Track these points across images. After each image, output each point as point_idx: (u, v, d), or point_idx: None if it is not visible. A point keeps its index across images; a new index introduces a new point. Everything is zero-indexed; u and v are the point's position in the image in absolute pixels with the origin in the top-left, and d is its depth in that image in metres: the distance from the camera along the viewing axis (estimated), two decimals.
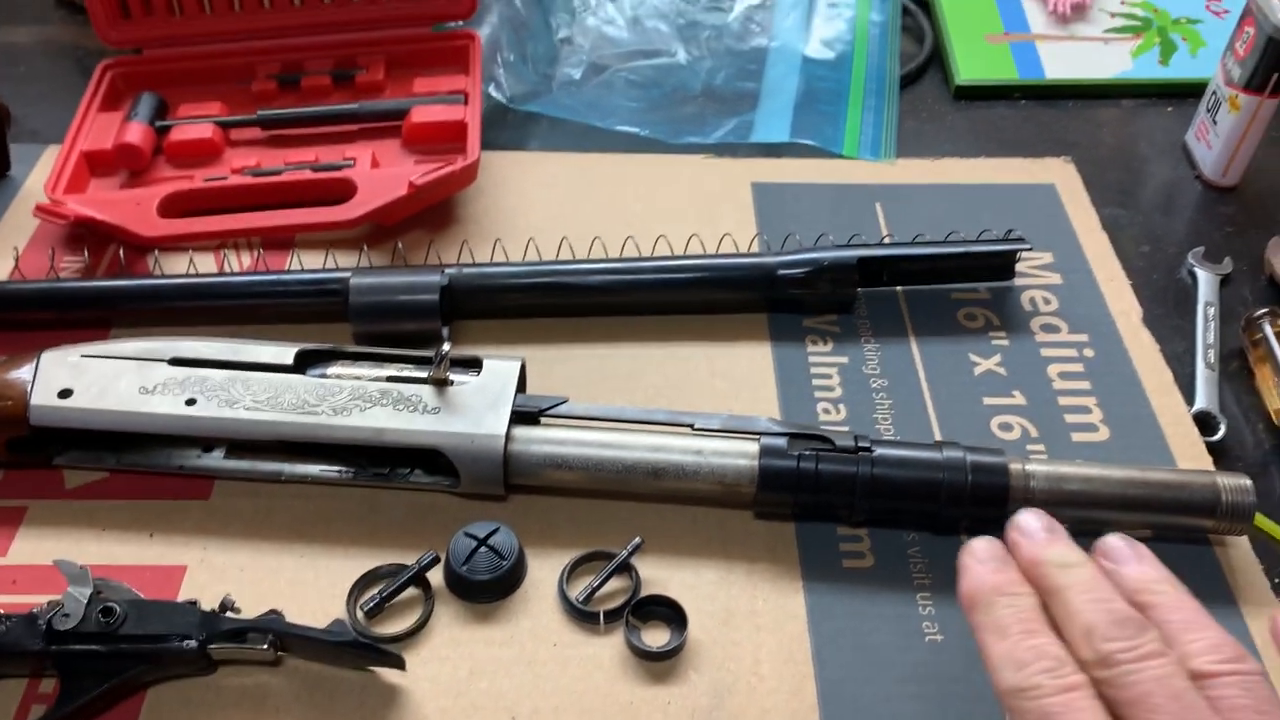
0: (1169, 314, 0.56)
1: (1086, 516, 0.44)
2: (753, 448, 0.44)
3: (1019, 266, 0.55)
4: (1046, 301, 0.55)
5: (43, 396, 0.45)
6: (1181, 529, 0.44)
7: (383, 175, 0.57)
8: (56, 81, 0.71)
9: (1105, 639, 0.31)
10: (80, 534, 0.44)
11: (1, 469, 0.46)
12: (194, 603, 0.40)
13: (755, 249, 0.56)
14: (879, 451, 0.44)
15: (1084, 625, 0.32)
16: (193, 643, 0.38)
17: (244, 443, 0.45)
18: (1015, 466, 0.43)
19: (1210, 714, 0.30)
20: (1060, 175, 0.62)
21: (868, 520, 0.45)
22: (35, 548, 0.44)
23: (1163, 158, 0.66)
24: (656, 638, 0.41)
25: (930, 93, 0.71)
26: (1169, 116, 0.69)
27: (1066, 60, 0.71)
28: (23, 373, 0.45)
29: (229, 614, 0.40)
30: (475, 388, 0.45)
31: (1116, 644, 0.31)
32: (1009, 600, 0.34)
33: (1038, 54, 0.71)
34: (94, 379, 0.45)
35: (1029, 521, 0.36)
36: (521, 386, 0.46)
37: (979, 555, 0.36)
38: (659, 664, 0.41)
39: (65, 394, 0.45)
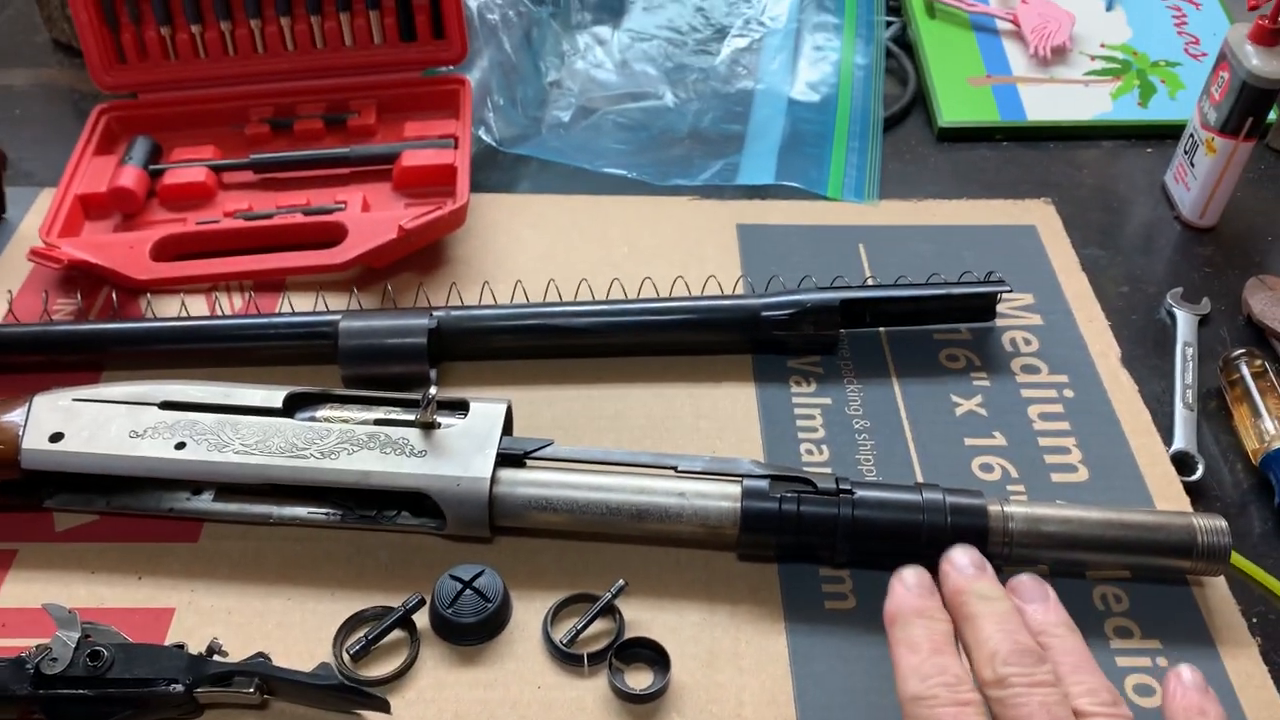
0: (1148, 354, 0.56)
1: (1064, 557, 0.44)
2: (735, 490, 0.44)
3: (1000, 307, 0.56)
4: (1027, 342, 0.56)
5: (34, 440, 0.45)
6: (1159, 569, 0.45)
7: (373, 219, 0.58)
8: (52, 124, 0.72)
9: (1005, 663, 0.35)
10: (69, 577, 0.45)
11: None
12: (181, 646, 0.40)
13: (740, 290, 0.57)
14: (860, 494, 0.44)
15: (990, 650, 0.36)
16: (179, 686, 0.39)
17: (233, 485, 0.46)
18: (994, 508, 0.44)
19: None
20: (1041, 216, 0.64)
21: (849, 561, 0.46)
22: (24, 590, 0.44)
23: (1142, 198, 0.67)
24: (640, 680, 0.42)
25: (914, 134, 0.72)
26: (1148, 158, 0.70)
27: (1047, 102, 0.72)
28: (14, 416, 0.46)
29: (216, 657, 0.40)
30: (461, 430, 0.46)
31: (1014, 669, 0.35)
32: (926, 622, 0.38)
33: (1019, 96, 0.73)
34: (85, 423, 0.46)
35: (961, 557, 0.41)
36: (508, 428, 0.47)
37: (907, 582, 0.40)
38: (642, 706, 0.41)
39: (56, 438, 0.45)
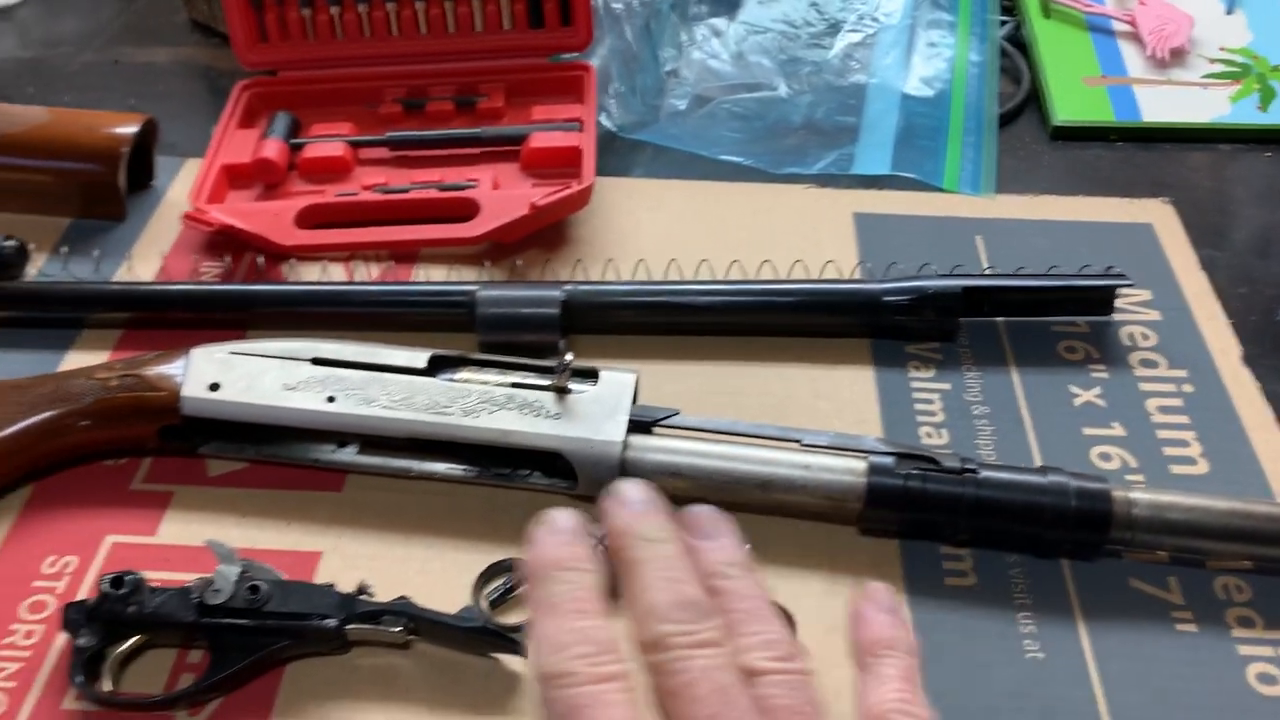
0: (1266, 354, 0.56)
1: (1187, 545, 0.45)
2: (860, 465, 0.46)
3: (1118, 303, 0.56)
4: (1145, 337, 0.56)
5: (193, 389, 0.48)
6: None
7: (504, 196, 0.60)
8: (191, 99, 0.76)
9: (663, 620, 0.30)
10: (222, 519, 0.47)
11: (150, 456, 0.50)
12: (332, 586, 0.42)
13: (858, 276, 0.58)
14: (984, 474, 0.45)
15: (648, 604, 0.31)
16: (332, 622, 0.41)
17: (377, 439, 0.48)
18: (1118, 493, 0.44)
19: (752, 713, 0.29)
20: (1158, 215, 0.64)
21: (970, 540, 0.46)
22: (181, 529, 0.47)
23: (1259, 202, 0.67)
24: None
25: (1027, 132, 0.72)
26: (1267, 162, 0.70)
27: (1163, 104, 0.72)
28: (175, 367, 0.49)
29: (364, 597, 0.42)
30: (593, 397, 0.48)
31: (673, 626, 0.30)
32: (568, 576, 0.32)
33: (1134, 97, 0.73)
34: (241, 374, 0.48)
35: (630, 491, 0.35)
36: (634, 398, 0.49)
37: (553, 527, 0.34)
38: None
39: (214, 387, 0.48)
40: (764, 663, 0.31)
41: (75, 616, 0.42)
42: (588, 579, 0.32)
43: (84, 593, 0.45)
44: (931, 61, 0.76)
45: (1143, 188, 0.67)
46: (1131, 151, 0.71)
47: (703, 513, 0.35)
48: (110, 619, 0.41)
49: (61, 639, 0.43)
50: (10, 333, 0.56)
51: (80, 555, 0.46)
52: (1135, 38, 0.76)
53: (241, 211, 0.59)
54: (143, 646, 0.42)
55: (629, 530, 0.34)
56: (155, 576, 0.43)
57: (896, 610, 0.36)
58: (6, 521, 0.47)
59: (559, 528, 0.34)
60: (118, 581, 0.42)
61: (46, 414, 0.47)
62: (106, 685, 0.41)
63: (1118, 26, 0.77)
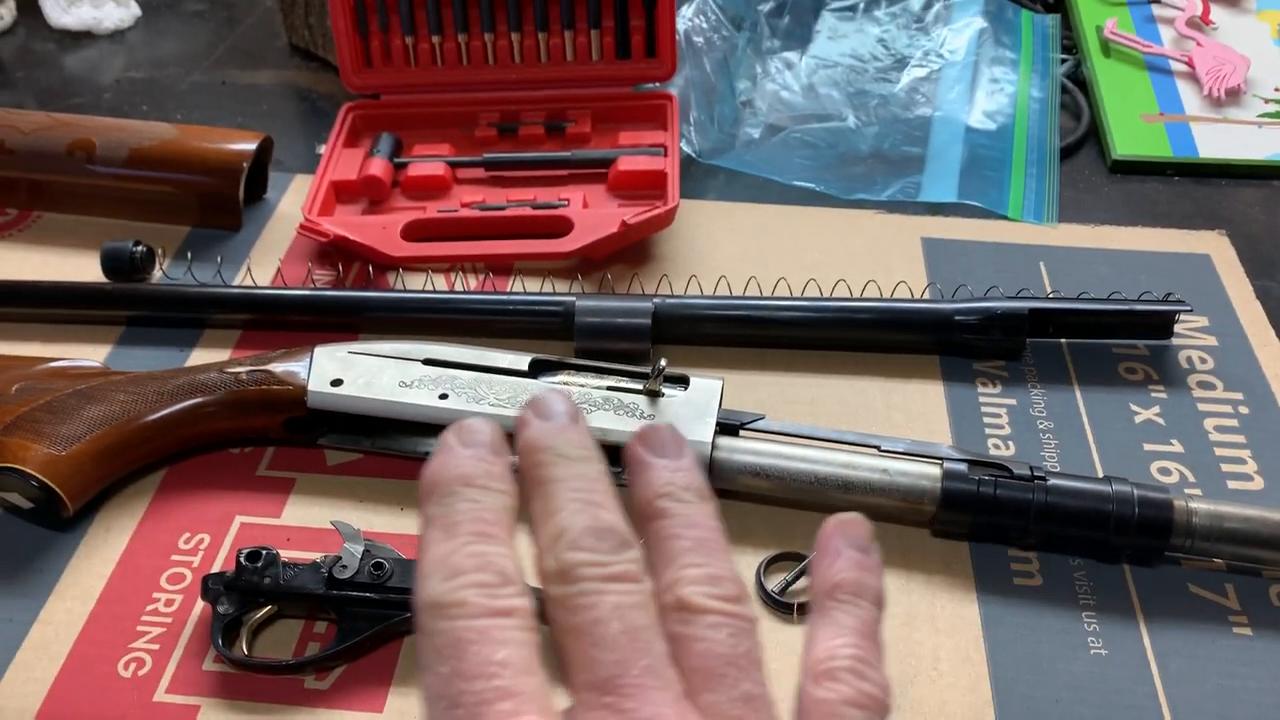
0: None
1: (1244, 554, 0.47)
2: (935, 470, 0.49)
3: (1177, 328, 0.59)
4: (1203, 360, 0.59)
5: (318, 384, 0.52)
6: None
7: (595, 214, 0.64)
8: (293, 118, 0.81)
9: (573, 546, 0.26)
10: (340, 504, 0.51)
11: (273, 445, 0.54)
12: None
13: (928, 296, 0.61)
14: (1053, 481, 0.48)
15: (558, 527, 0.27)
16: None
17: None
18: (1179, 503, 0.47)
19: (665, 663, 0.25)
20: (1215, 246, 0.66)
21: (1037, 544, 0.49)
22: (304, 512, 0.51)
23: None
24: None
25: (1087, 165, 0.76)
26: None
27: (1220, 141, 0.75)
28: (300, 364, 0.53)
29: None
30: (683, 400, 0.51)
31: (584, 555, 0.26)
32: (475, 494, 0.27)
33: (1191, 134, 0.76)
34: (360, 372, 0.52)
35: (552, 401, 0.30)
36: (719, 404, 0.52)
37: (467, 437, 0.29)
38: None
39: (337, 383, 0.52)
40: (704, 599, 0.26)
41: (214, 586, 0.46)
42: (497, 500, 0.28)
43: (216, 567, 0.49)
44: (994, 96, 0.80)
45: (1199, 221, 0.70)
46: (1188, 186, 0.74)
47: (661, 428, 0.31)
48: (246, 589, 0.45)
49: (199, 608, 0.47)
50: (140, 330, 0.60)
51: (212, 533, 0.50)
52: (1192, 77, 0.79)
53: (352, 224, 0.64)
54: (274, 616, 0.46)
55: (545, 444, 0.29)
56: (282, 554, 0.47)
57: (870, 550, 0.30)
58: (144, 501, 0.52)
59: (474, 439, 0.29)
60: (254, 555, 0.46)
61: (185, 403, 0.52)
62: (242, 649, 0.45)
63: (1175, 66, 0.80)
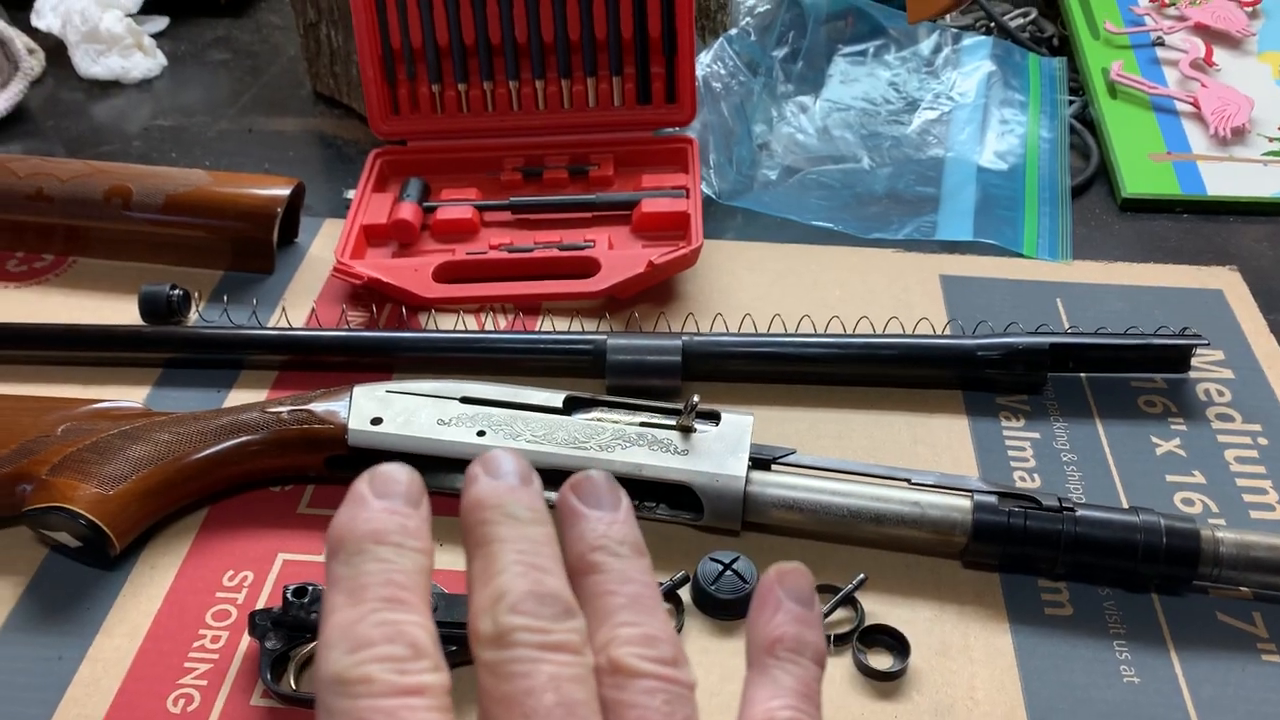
0: None
1: (1270, 581, 0.48)
2: (965, 503, 0.50)
3: (1193, 361, 0.61)
4: (1220, 393, 0.60)
5: (358, 423, 0.53)
6: None
7: (621, 255, 0.66)
8: (319, 164, 0.83)
9: (513, 610, 0.24)
10: None
11: (313, 483, 0.55)
12: None
13: (950, 332, 0.62)
14: (1081, 512, 0.49)
15: (498, 589, 0.25)
16: None
17: None
18: (1206, 532, 0.48)
19: None
20: (1227, 282, 0.68)
21: (1066, 574, 0.50)
22: None
23: None
24: (881, 661, 0.47)
25: (1097, 204, 0.77)
26: None
27: (1226, 179, 0.77)
28: (340, 403, 0.54)
29: None
30: (716, 435, 0.52)
31: (522, 619, 0.24)
32: (387, 552, 0.25)
33: (1199, 172, 0.78)
34: (399, 410, 0.54)
35: (502, 460, 0.28)
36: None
37: (378, 486, 0.27)
38: (885, 684, 0.46)
39: (376, 421, 0.53)
40: (639, 661, 0.25)
41: (261, 622, 0.46)
42: (411, 560, 0.25)
43: (261, 603, 0.49)
44: (1005, 137, 0.82)
45: (1209, 256, 0.71)
46: (1197, 223, 0.75)
47: (595, 476, 0.29)
48: (293, 624, 0.46)
49: (245, 644, 0.48)
50: (178, 372, 0.62)
51: (256, 570, 0.51)
52: (1198, 118, 0.81)
53: (384, 266, 0.65)
54: None
55: (493, 502, 0.27)
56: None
57: (812, 603, 0.29)
58: (187, 539, 0.53)
59: (389, 488, 0.27)
60: (300, 591, 0.47)
61: (228, 442, 0.53)
62: (290, 684, 0.46)
63: (1181, 107, 0.82)
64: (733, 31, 0.79)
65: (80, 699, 0.46)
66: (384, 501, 0.27)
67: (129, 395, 0.59)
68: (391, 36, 0.72)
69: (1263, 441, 0.57)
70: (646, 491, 0.53)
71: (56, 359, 0.62)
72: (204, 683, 0.46)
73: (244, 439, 0.53)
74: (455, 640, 0.46)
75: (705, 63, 0.77)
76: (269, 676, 0.45)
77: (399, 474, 0.27)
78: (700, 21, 0.83)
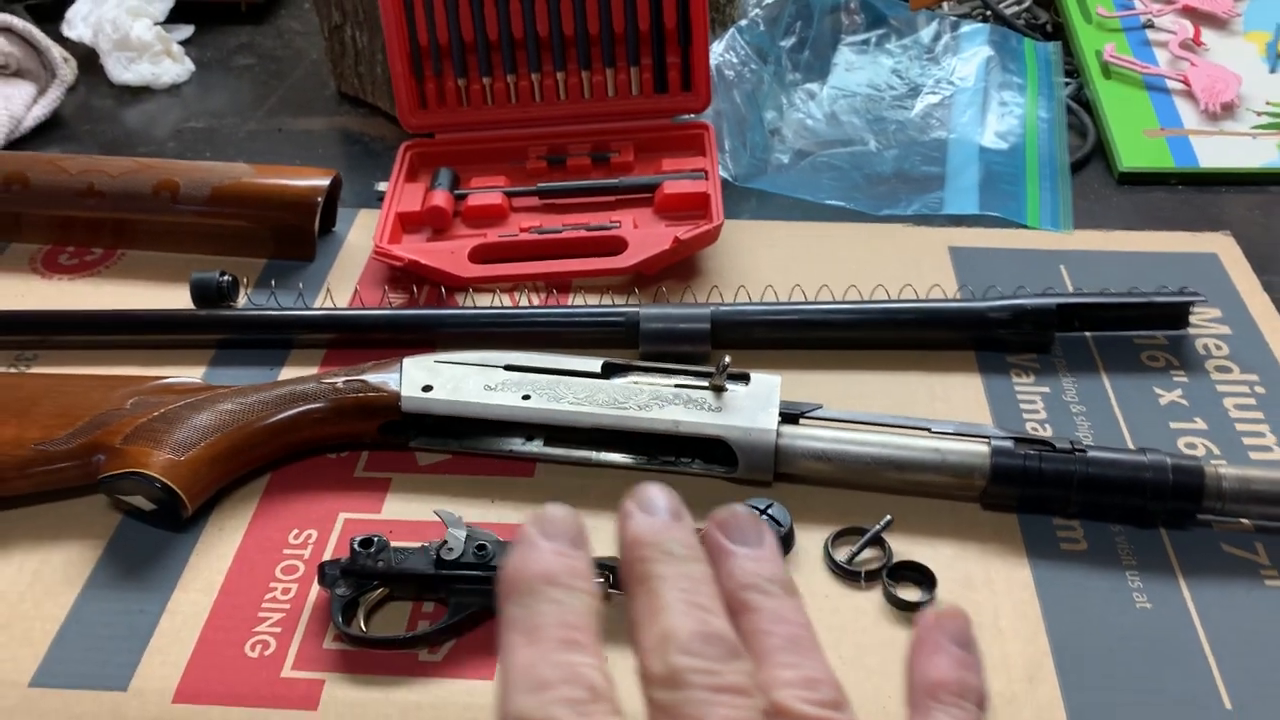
0: None
1: (1271, 512, 0.52)
2: (984, 449, 0.53)
3: (1191, 318, 0.64)
4: (1218, 348, 0.64)
5: (410, 390, 0.57)
6: None
7: (647, 233, 0.69)
8: (348, 159, 0.86)
9: (684, 651, 0.25)
10: (435, 498, 0.55)
11: (368, 449, 0.58)
12: None
13: (962, 297, 0.66)
14: (1092, 454, 0.53)
15: (664, 629, 0.25)
16: None
17: (560, 433, 0.56)
18: (1209, 469, 0.52)
19: None
20: (1222, 246, 0.72)
21: (1079, 512, 0.54)
22: (402, 507, 0.55)
23: None
24: (910, 594, 0.50)
25: (1095, 178, 0.81)
26: None
27: (1218, 152, 0.81)
28: (391, 374, 0.57)
29: None
30: (747, 393, 0.56)
31: (694, 661, 0.25)
32: (560, 594, 0.26)
33: (1192, 146, 0.81)
34: (447, 379, 0.57)
35: (655, 496, 0.29)
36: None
37: (547, 528, 0.28)
38: (914, 614, 0.50)
39: (427, 389, 0.56)
40: (803, 705, 0.25)
41: (330, 571, 0.50)
42: (584, 602, 0.27)
43: (327, 557, 0.53)
44: (1004, 119, 0.86)
45: (1203, 224, 0.75)
46: (1191, 194, 0.79)
47: (740, 513, 0.30)
48: (361, 572, 0.49)
49: (314, 594, 0.51)
50: (229, 353, 0.65)
51: (319, 529, 0.54)
52: (1189, 95, 0.85)
53: (422, 250, 0.69)
54: (386, 598, 0.50)
55: (651, 539, 0.28)
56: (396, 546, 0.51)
57: (971, 646, 0.30)
58: (253, 502, 0.56)
59: (556, 529, 0.28)
60: (367, 542, 0.50)
61: (289, 411, 0.56)
62: (360, 627, 0.49)
63: (1172, 85, 0.86)
64: (743, 22, 0.82)
65: (164, 648, 0.49)
66: (552, 543, 0.28)
67: (188, 374, 0.62)
68: (419, 33, 0.76)
69: (1260, 390, 0.61)
70: (682, 448, 0.56)
71: (116, 343, 0.65)
72: (278, 630, 0.50)
73: (304, 407, 0.56)
74: None
75: (718, 52, 0.81)
76: (340, 620, 0.48)
77: (562, 515, 0.29)
78: (710, 14, 0.87)
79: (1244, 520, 0.53)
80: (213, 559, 0.53)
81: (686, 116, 0.78)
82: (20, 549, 0.53)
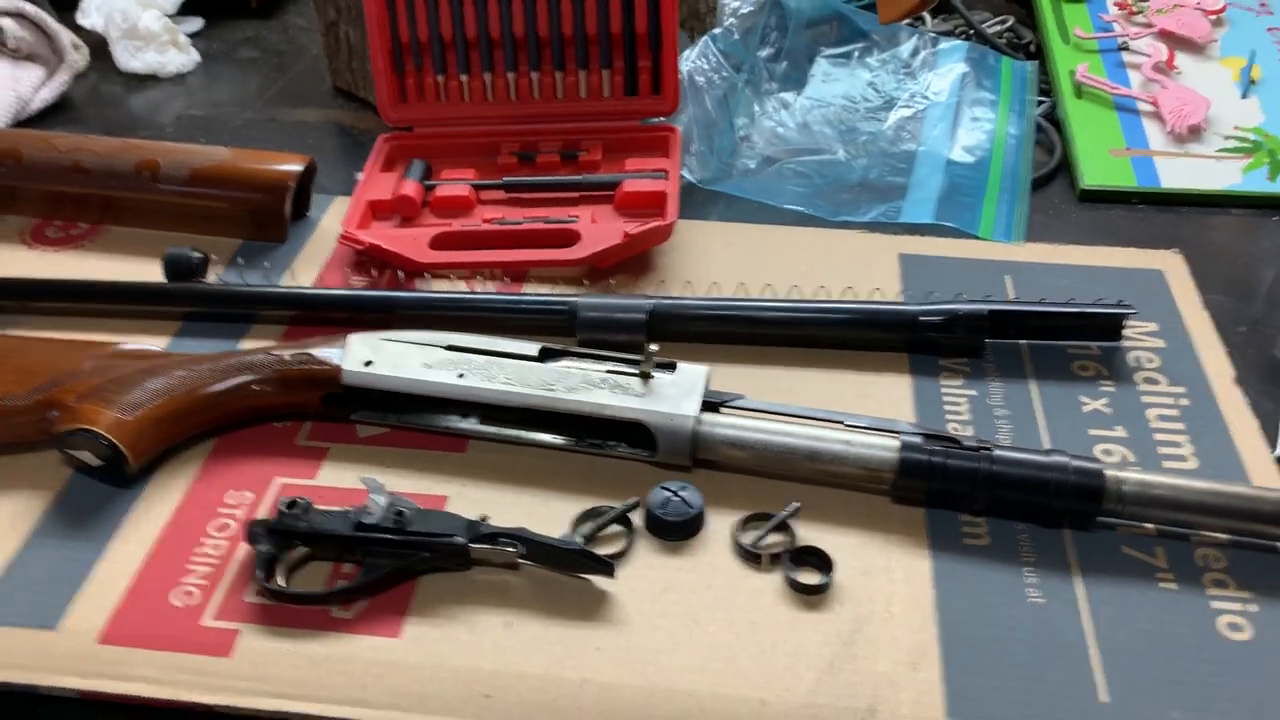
0: (1261, 380, 0.64)
1: (1169, 517, 0.53)
2: (894, 443, 0.55)
3: (1127, 332, 0.65)
4: (1150, 360, 0.65)
5: (352, 364, 0.59)
6: (1254, 534, 0.53)
7: (600, 228, 0.72)
8: (336, 150, 0.89)
9: None
10: (369, 468, 0.58)
11: (311, 420, 0.61)
12: (460, 515, 0.53)
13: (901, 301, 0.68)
14: (997, 452, 0.54)
15: None
16: (460, 540, 0.51)
17: (495, 411, 0.59)
18: (1110, 472, 0.53)
19: None
20: (1169, 264, 0.73)
21: (986, 509, 0.55)
22: (336, 475, 0.58)
23: (1267, 260, 0.75)
24: (809, 578, 0.52)
25: (1058, 195, 0.82)
26: (1275, 225, 0.78)
27: (1181, 173, 0.82)
28: (336, 348, 0.60)
29: (485, 524, 0.52)
30: (672, 381, 0.58)
31: None
32: None
33: (1155, 167, 0.82)
34: (389, 355, 0.59)
35: None
36: (706, 387, 0.59)
37: None
38: (811, 597, 0.51)
39: (368, 364, 0.59)
40: None
41: (257, 530, 0.52)
42: None
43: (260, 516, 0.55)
44: (974, 133, 0.87)
45: (1159, 243, 0.76)
46: (1150, 214, 0.80)
47: None
48: (285, 531, 0.52)
49: (242, 552, 0.53)
50: (196, 325, 0.68)
51: (255, 491, 0.57)
52: (1158, 117, 0.86)
53: (385, 235, 0.72)
54: (308, 558, 0.53)
55: None
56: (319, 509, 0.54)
57: None
58: (197, 464, 0.59)
59: None
60: (292, 504, 0.53)
61: (236, 379, 0.59)
62: (279, 583, 0.51)
63: (1142, 107, 0.87)
64: (716, 30, 0.85)
65: (95, 594, 0.52)
66: None
67: (152, 344, 0.65)
68: (400, 30, 0.79)
69: (1185, 402, 0.62)
70: (609, 431, 0.58)
71: (89, 311, 0.68)
72: (204, 582, 0.52)
73: (250, 377, 0.59)
74: (428, 548, 0.52)
75: (690, 59, 0.83)
76: (260, 575, 0.51)
77: None
78: (691, 23, 0.90)
79: (1147, 525, 0.54)
80: (152, 514, 0.56)
81: (655, 119, 0.81)
82: None
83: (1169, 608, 0.51)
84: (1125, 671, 0.48)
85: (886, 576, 0.52)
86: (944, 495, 0.55)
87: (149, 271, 0.71)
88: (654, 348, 0.58)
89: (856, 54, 0.96)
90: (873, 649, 0.49)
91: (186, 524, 0.55)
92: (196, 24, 1.07)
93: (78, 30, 1.01)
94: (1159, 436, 0.60)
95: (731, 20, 0.86)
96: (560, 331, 0.65)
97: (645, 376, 0.58)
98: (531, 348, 0.60)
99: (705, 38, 0.84)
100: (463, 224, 0.74)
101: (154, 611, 0.51)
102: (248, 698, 0.47)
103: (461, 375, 0.58)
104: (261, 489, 0.57)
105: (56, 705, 0.48)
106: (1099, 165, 0.82)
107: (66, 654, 0.49)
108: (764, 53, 0.91)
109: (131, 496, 0.57)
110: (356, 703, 0.47)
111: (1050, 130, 0.88)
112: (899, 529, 0.55)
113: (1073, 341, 0.66)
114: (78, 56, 0.97)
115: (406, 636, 0.50)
